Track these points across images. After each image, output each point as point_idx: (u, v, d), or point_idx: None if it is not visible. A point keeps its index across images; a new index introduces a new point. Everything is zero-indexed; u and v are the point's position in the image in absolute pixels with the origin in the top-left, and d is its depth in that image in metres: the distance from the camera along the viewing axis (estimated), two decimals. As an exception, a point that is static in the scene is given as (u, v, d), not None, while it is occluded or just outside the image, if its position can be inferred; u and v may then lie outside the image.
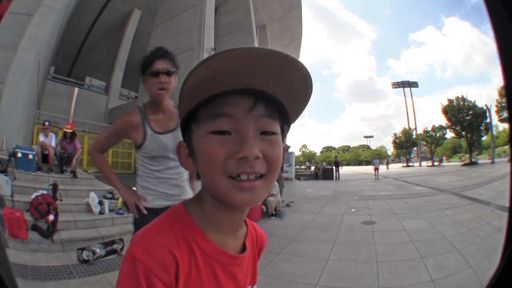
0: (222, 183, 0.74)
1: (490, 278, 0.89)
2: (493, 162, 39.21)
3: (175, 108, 2.65)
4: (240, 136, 0.74)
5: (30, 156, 9.38)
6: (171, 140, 2.59)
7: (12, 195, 7.28)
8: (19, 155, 9.06)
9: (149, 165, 2.64)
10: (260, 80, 0.73)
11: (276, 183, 11.14)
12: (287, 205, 12.46)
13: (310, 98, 0.82)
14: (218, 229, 0.83)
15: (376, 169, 31.70)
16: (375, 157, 41.91)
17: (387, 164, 64.18)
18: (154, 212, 2.54)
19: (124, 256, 0.74)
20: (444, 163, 56.35)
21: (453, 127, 50.16)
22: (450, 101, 49.35)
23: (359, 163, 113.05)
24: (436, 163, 55.48)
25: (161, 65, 2.49)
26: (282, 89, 0.76)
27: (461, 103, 48.22)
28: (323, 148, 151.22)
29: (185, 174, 2.75)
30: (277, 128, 0.79)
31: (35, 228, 6.62)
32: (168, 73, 2.50)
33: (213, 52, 14.41)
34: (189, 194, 2.74)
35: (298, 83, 0.75)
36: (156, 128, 2.60)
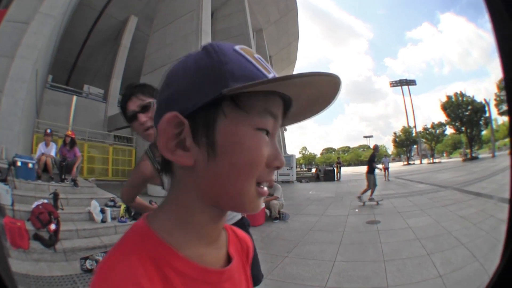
0: (252, 190, 0.64)
1: (494, 271, 0.89)
2: (493, 156, 39.28)
3: None
4: (273, 142, 0.67)
5: (30, 165, 9.32)
6: None
7: (12, 204, 7.21)
8: (19, 164, 9.00)
9: None
10: (300, 95, 0.65)
11: (279, 186, 11.12)
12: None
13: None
14: (196, 242, 0.67)
15: (386, 168, 26.77)
16: (384, 155, 39.71)
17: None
18: None
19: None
20: (444, 159, 56.52)
21: (453, 123, 50.30)
22: (449, 97, 49.52)
23: (360, 163, 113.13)
24: (436, 160, 55.48)
25: (133, 105, 2.20)
26: (305, 104, 0.70)
27: (460, 98, 48.35)
28: (323, 149, 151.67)
29: None
30: None
31: (37, 237, 6.55)
32: (145, 109, 2.19)
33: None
34: (234, 217, 2.58)
35: (323, 104, 0.70)
36: None
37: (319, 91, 0.64)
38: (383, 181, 22.30)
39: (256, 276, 2.36)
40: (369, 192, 12.99)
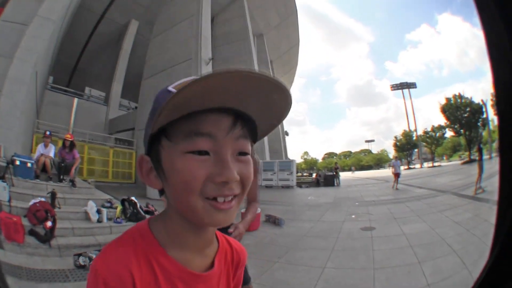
0: (199, 205, 0.73)
1: (480, 273, 0.92)
2: (491, 158, 39.13)
3: None
4: (220, 158, 0.73)
5: (29, 164, 9.42)
6: None
7: (9, 201, 7.32)
8: (18, 162, 9.12)
9: None
10: (242, 101, 0.73)
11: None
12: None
13: (283, 120, 0.83)
14: (181, 247, 0.82)
15: (397, 174, 21.45)
16: (394, 157, 36.70)
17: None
18: None
19: (90, 266, 0.75)
20: (444, 163, 56.23)
21: (452, 125, 50.08)
22: (448, 99, 49.19)
23: (361, 168, 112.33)
24: (436, 164, 55.23)
25: None
26: (261, 111, 0.77)
27: (459, 100, 48.08)
28: (325, 154, 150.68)
29: None
30: (249, 148, 0.79)
31: (32, 233, 6.69)
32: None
33: (210, 62, 14.27)
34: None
35: (279, 106, 0.77)
36: None
37: (245, 90, 0.69)
38: (390, 189, 21.25)
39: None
40: None
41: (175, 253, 0.80)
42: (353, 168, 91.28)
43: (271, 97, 0.72)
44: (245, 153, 0.78)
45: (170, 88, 0.78)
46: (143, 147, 0.84)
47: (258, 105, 0.75)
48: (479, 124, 47.02)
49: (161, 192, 0.83)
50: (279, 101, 0.74)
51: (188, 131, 0.72)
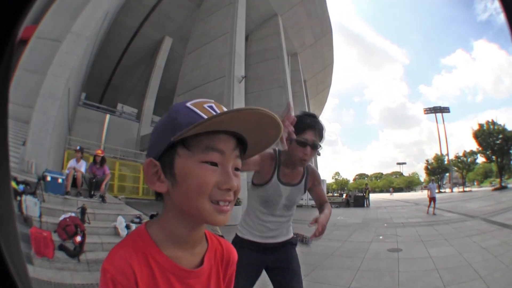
0: (207, 207, 0.89)
1: None
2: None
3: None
4: (225, 170, 0.91)
5: (60, 180, 9.58)
6: (287, 192, 2.78)
7: (40, 216, 7.47)
8: (49, 178, 9.28)
9: (259, 205, 2.82)
10: (245, 129, 0.91)
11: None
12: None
13: (271, 146, 1.03)
14: (174, 245, 0.96)
15: (432, 199, 19.31)
16: (431, 180, 34.38)
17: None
18: (245, 243, 2.79)
19: (101, 267, 0.89)
20: (474, 188, 55.00)
21: (484, 151, 49.07)
22: (481, 125, 48.32)
23: (396, 190, 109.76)
24: (467, 189, 53.96)
25: (313, 136, 2.60)
26: (256, 138, 0.96)
27: (491, 127, 47.13)
28: (356, 175, 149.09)
29: (287, 223, 2.93)
30: (241, 165, 0.98)
31: (62, 248, 6.82)
32: (314, 147, 2.62)
33: (243, 80, 14.56)
34: (287, 235, 2.93)
35: (272, 136, 0.97)
36: (282, 178, 2.77)
37: (255, 123, 0.90)
38: (419, 212, 20.78)
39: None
40: None
41: (169, 252, 0.95)
42: (391, 190, 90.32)
43: (267, 128, 0.93)
44: (238, 169, 0.97)
45: (189, 105, 0.94)
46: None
47: (257, 135, 0.95)
48: (511, 151, 46.01)
49: (158, 195, 0.99)
50: (273, 131, 0.95)
51: (206, 145, 0.89)
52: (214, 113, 0.91)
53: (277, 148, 2.79)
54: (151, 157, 0.94)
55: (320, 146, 2.65)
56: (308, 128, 2.58)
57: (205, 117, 0.88)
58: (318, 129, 2.61)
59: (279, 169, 2.75)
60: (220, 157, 0.90)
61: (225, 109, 0.93)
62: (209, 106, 0.94)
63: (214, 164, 0.90)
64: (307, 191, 2.89)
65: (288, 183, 2.76)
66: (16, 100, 11.63)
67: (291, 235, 2.96)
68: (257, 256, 2.72)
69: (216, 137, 0.89)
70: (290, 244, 2.92)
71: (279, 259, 2.83)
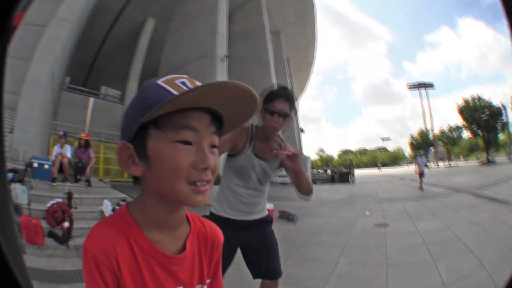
0: (184, 189, 0.86)
1: (505, 283, 0.92)
2: (510, 160, 38.72)
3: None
4: (200, 148, 0.87)
5: (46, 166, 9.51)
6: (260, 166, 2.81)
7: (29, 204, 7.46)
8: (35, 165, 9.22)
9: (233, 176, 2.85)
10: (220, 104, 0.88)
11: None
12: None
13: (249, 119, 1.01)
14: (156, 228, 0.94)
15: (421, 174, 18.79)
16: (419, 154, 32.84)
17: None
18: (219, 220, 2.71)
19: (82, 246, 0.87)
20: (460, 163, 55.54)
21: (470, 126, 49.55)
22: (466, 101, 48.70)
23: (384, 165, 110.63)
24: (453, 163, 54.47)
25: (283, 106, 2.63)
26: (232, 113, 0.93)
27: (477, 102, 47.56)
28: (340, 151, 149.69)
29: (261, 198, 2.95)
30: (218, 141, 0.94)
31: (51, 234, 6.81)
32: (286, 116, 2.65)
33: (226, 60, 14.52)
34: (261, 212, 2.97)
35: (248, 109, 0.94)
36: (256, 151, 2.79)
37: (229, 97, 0.87)
38: (405, 186, 20.94)
39: (276, 270, 2.84)
40: None
41: (150, 235, 0.92)
42: (379, 165, 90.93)
43: (242, 102, 0.90)
44: (215, 146, 0.93)
45: (160, 82, 0.90)
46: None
47: (232, 109, 0.91)
48: (497, 126, 46.50)
49: (136, 179, 0.95)
50: (249, 105, 0.92)
51: (178, 123, 0.85)
52: (187, 89, 0.86)
53: (253, 123, 2.82)
54: (124, 140, 0.90)
55: (291, 116, 2.70)
56: (277, 97, 2.63)
57: (176, 94, 0.84)
58: (287, 98, 2.66)
59: (253, 142, 2.79)
60: (194, 135, 0.86)
61: (199, 84, 0.89)
62: (181, 82, 0.89)
63: (188, 143, 0.86)
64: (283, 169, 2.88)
65: (261, 157, 2.80)
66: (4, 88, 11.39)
67: (266, 213, 3.01)
68: (232, 234, 2.58)
69: (188, 114, 0.85)
70: (265, 222, 2.97)
71: (254, 237, 2.87)
